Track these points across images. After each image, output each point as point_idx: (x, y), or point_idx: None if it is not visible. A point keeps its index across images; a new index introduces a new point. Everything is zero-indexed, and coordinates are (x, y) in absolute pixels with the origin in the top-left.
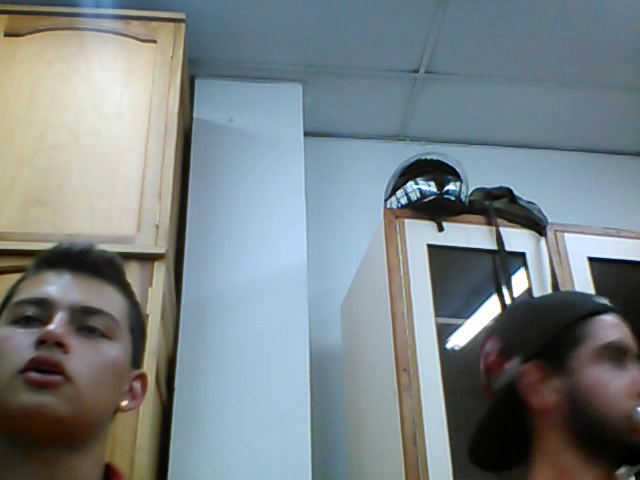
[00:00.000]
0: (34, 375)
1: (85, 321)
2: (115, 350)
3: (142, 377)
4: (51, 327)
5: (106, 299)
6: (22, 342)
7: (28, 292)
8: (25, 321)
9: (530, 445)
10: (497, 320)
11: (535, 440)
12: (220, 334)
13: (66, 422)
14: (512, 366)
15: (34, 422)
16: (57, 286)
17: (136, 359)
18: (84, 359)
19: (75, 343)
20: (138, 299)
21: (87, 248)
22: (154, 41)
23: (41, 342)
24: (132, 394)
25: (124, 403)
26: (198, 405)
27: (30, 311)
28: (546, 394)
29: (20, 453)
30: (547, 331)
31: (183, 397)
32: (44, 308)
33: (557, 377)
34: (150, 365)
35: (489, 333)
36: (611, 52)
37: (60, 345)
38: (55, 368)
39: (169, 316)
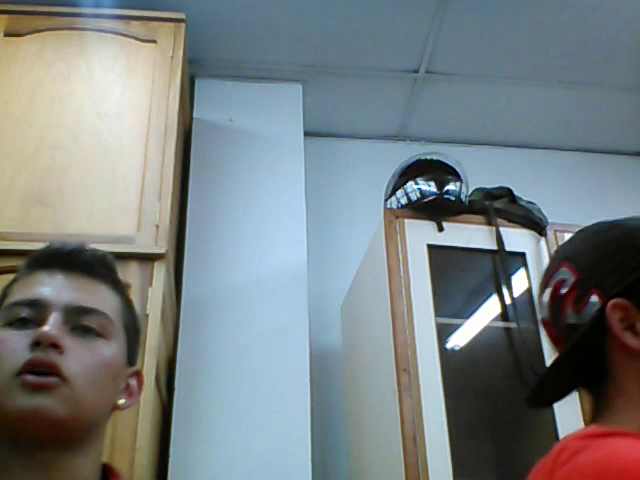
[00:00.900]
0: (30, 378)
1: (79, 321)
2: (110, 349)
3: (138, 374)
4: (45, 328)
5: (99, 298)
6: (17, 344)
7: (21, 293)
8: (20, 323)
9: (605, 387)
10: (570, 244)
11: (615, 382)
12: (220, 334)
13: (64, 423)
14: (596, 300)
15: (32, 425)
16: (50, 287)
17: (131, 356)
18: (79, 359)
19: (70, 343)
20: (138, 299)
21: (78, 247)
22: (154, 41)
23: (36, 344)
24: (129, 391)
25: (121, 401)
26: (198, 405)
27: (24, 312)
28: (635, 334)
29: (18, 455)
30: (637, 267)
31: (183, 397)
32: (38, 309)
33: None
34: (150, 365)
35: (561, 258)
36: (611, 52)
37: (55, 346)
38: (51, 369)
39: (169, 316)
